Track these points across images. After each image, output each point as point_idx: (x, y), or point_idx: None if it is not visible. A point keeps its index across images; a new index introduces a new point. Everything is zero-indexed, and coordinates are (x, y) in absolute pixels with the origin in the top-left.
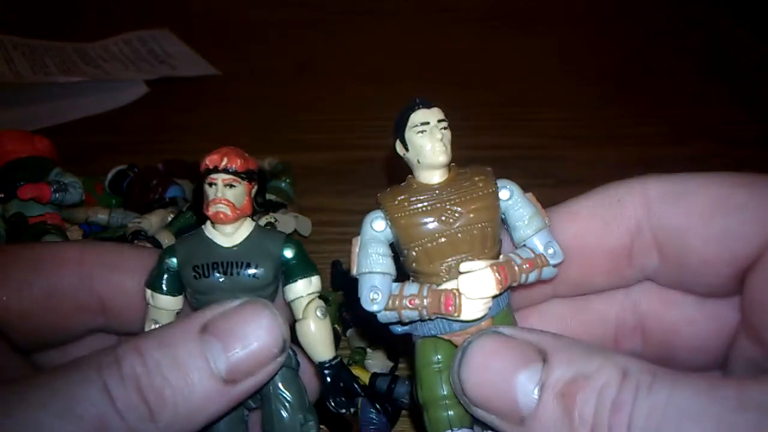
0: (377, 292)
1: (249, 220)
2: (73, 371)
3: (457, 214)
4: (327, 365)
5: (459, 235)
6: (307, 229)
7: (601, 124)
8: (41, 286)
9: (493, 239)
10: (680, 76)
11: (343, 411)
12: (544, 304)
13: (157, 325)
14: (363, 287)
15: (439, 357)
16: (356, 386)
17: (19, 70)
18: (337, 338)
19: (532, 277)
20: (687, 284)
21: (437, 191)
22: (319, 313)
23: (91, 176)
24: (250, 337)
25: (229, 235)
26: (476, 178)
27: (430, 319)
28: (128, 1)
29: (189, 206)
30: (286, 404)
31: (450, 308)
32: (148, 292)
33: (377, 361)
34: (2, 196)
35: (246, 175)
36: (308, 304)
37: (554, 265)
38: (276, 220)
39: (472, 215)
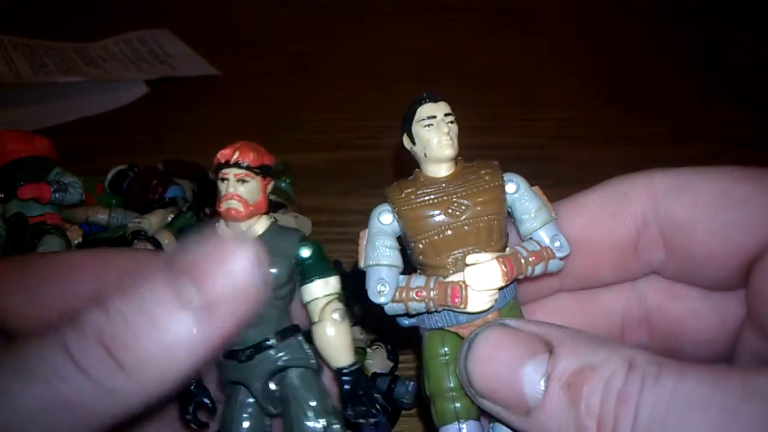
0: (384, 284)
1: (264, 217)
2: (35, 334)
3: (463, 207)
4: (346, 372)
5: (465, 227)
6: (307, 229)
7: (601, 124)
8: (55, 293)
9: (499, 232)
10: (680, 76)
11: (362, 422)
12: (551, 298)
13: None
14: (370, 279)
15: (446, 349)
16: (375, 396)
17: (19, 70)
18: None
19: (539, 269)
20: (693, 277)
21: (444, 184)
22: (336, 316)
23: (91, 176)
24: (220, 267)
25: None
26: (483, 172)
27: (436, 311)
28: (128, 1)
29: (189, 206)
30: (307, 409)
31: (456, 300)
32: None
33: (377, 361)
34: (2, 196)
35: (260, 170)
36: (325, 306)
37: (560, 258)
38: (276, 221)
39: (478, 208)
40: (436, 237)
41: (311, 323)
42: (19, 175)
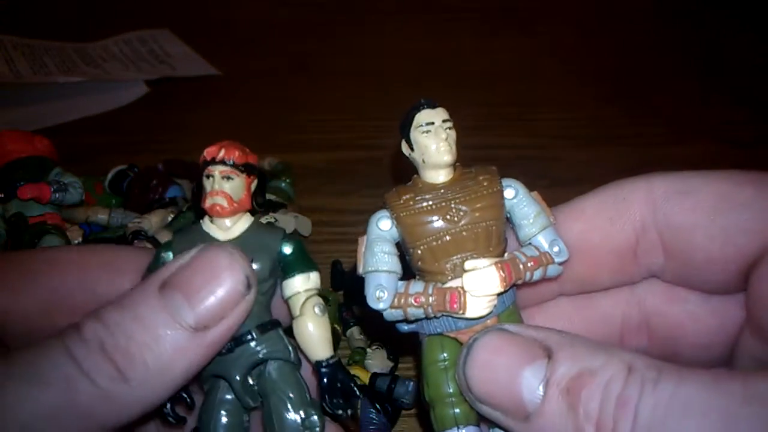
0: (383, 291)
1: (248, 214)
2: (40, 343)
3: (462, 213)
4: (324, 364)
5: (464, 233)
6: (307, 229)
7: (601, 124)
8: (40, 289)
9: (497, 237)
10: (680, 76)
11: (340, 412)
12: (550, 303)
13: None
14: (369, 285)
15: (445, 355)
16: (354, 387)
17: (19, 70)
18: (337, 338)
19: (537, 274)
20: (692, 281)
21: (442, 190)
22: (317, 310)
23: (91, 176)
24: (212, 282)
25: (227, 229)
26: (481, 177)
27: (435, 317)
28: (128, 1)
29: (189, 206)
30: (286, 400)
31: (455, 306)
32: None
33: (377, 361)
34: (2, 196)
35: (245, 168)
36: (306, 300)
37: (559, 263)
38: (276, 220)
39: (477, 214)
40: (434, 243)
41: (292, 317)
42: (19, 175)
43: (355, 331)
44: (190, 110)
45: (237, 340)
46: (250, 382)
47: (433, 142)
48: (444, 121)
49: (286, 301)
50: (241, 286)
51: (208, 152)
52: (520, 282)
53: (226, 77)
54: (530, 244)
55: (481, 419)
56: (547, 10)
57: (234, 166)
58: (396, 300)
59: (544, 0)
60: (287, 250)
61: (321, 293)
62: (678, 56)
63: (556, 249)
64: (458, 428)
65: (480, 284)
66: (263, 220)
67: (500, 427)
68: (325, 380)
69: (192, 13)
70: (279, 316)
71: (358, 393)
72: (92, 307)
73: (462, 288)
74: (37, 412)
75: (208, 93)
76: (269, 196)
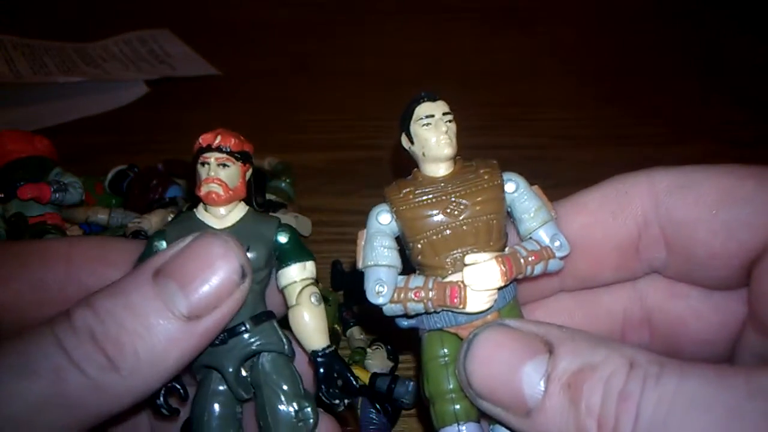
0: (383, 285)
1: (242, 203)
2: (29, 332)
3: (462, 206)
4: (320, 354)
5: (464, 227)
6: (307, 229)
7: (601, 124)
8: (27, 280)
9: (498, 232)
10: (680, 76)
11: (337, 402)
12: (552, 298)
13: None
14: (368, 280)
15: (446, 350)
16: (351, 377)
17: (19, 70)
18: (337, 338)
19: (538, 269)
20: (694, 277)
21: (443, 184)
22: (313, 300)
23: (91, 176)
24: (206, 271)
25: (222, 217)
26: (482, 171)
27: (435, 312)
28: (128, 1)
29: (189, 206)
30: (279, 393)
31: (455, 300)
32: None
33: (377, 361)
34: (2, 196)
35: (240, 156)
36: (302, 290)
37: (560, 258)
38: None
39: (477, 207)
40: (434, 237)
41: (288, 307)
42: (19, 175)
43: (355, 331)
44: (190, 110)
45: (230, 331)
46: (243, 373)
47: (433, 135)
48: (444, 113)
49: (281, 291)
50: (236, 275)
51: (204, 139)
52: (520, 276)
53: (226, 77)
54: (531, 238)
55: (481, 415)
56: (547, 10)
57: (230, 153)
58: (396, 294)
59: (544, 0)
60: (282, 239)
61: (321, 293)
62: (678, 56)
63: (557, 243)
64: (458, 424)
65: (480, 278)
66: None
67: (501, 423)
68: (321, 370)
69: (192, 13)
70: (272, 306)
71: (355, 382)
72: (81, 298)
73: (462, 282)
74: (25, 403)
75: (208, 93)
76: (269, 196)
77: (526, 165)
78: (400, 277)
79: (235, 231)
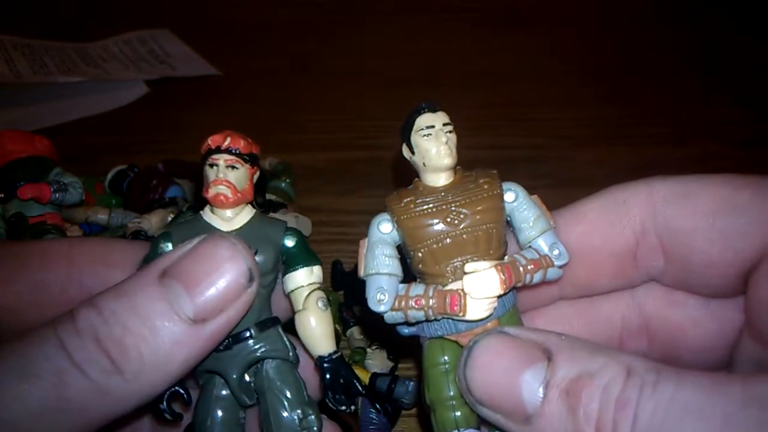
0: (384, 293)
1: (249, 206)
2: (31, 333)
3: (462, 216)
4: (327, 359)
5: (464, 236)
6: (307, 229)
7: (601, 124)
8: (28, 281)
9: (498, 240)
10: (680, 76)
11: (343, 408)
12: (551, 306)
13: None
14: (370, 288)
15: (446, 358)
16: (357, 384)
17: (19, 70)
18: (337, 338)
19: (537, 277)
20: (692, 285)
21: (443, 193)
22: (320, 305)
23: (91, 176)
24: (213, 273)
25: (229, 219)
26: (481, 180)
27: (436, 320)
28: (128, 1)
29: (189, 206)
30: (283, 399)
31: (455, 308)
32: None
33: (377, 361)
34: (2, 196)
35: (249, 158)
36: (309, 294)
37: (559, 266)
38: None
39: (477, 217)
40: (435, 246)
41: (294, 311)
42: (19, 175)
43: (355, 331)
44: (190, 110)
45: (235, 337)
46: (247, 379)
47: (433, 145)
48: (444, 124)
49: (287, 295)
50: (243, 279)
51: (213, 140)
52: (520, 284)
53: (226, 77)
54: (530, 247)
55: (481, 422)
56: (547, 10)
57: (239, 155)
58: (397, 302)
59: (544, 0)
60: (290, 242)
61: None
62: (678, 56)
63: (556, 252)
64: (459, 431)
65: (480, 286)
66: None
67: (501, 430)
68: (327, 376)
69: (192, 13)
70: (277, 311)
71: (360, 389)
72: (82, 299)
73: (462, 290)
74: (26, 407)
75: (208, 93)
76: (269, 196)
77: (526, 165)
78: (401, 285)
79: (243, 234)
